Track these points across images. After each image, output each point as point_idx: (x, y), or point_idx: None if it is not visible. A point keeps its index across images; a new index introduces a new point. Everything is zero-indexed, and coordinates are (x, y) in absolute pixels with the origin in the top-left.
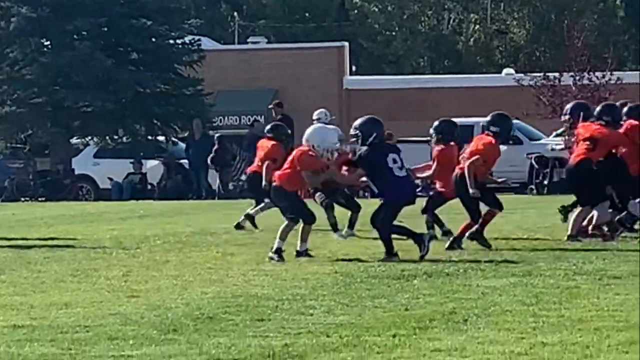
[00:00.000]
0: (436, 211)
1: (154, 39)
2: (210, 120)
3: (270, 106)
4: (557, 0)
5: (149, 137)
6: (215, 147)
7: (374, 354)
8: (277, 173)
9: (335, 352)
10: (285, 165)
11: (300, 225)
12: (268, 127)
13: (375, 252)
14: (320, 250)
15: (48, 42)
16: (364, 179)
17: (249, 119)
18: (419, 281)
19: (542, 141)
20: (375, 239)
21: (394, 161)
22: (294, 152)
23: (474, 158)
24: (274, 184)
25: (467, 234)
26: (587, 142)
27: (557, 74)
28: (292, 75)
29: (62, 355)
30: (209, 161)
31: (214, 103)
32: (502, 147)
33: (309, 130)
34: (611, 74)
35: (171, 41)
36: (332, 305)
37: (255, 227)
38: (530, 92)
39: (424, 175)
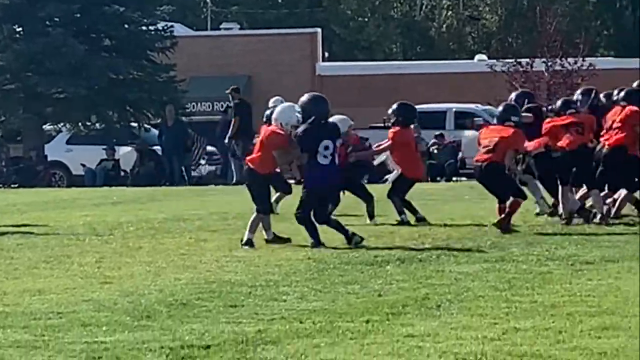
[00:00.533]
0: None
1: (126, 26)
2: (183, 106)
3: (227, 91)
4: None
5: (122, 124)
6: None
7: (347, 339)
8: (250, 157)
9: (309, 337)
10: (257, 148)
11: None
12: (267, 112)
13: None
14: (293, 237)
15: (20, 29)
16: None
17: (222, 105)
18: (392, 267)
19: None
20: (353, 225)
21: (325, 148)
22: (261, 133)
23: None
24: (246, 166)
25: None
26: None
27: (529, 60)
28: (264, 61)
29: (35, 341)
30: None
31: (186, 89)
32: (475, 133)
33: (278, 109)
34: (583, 60)
35: (144, 28)
36: (305, 291)
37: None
38: (503, 78)
39: (377, 149)
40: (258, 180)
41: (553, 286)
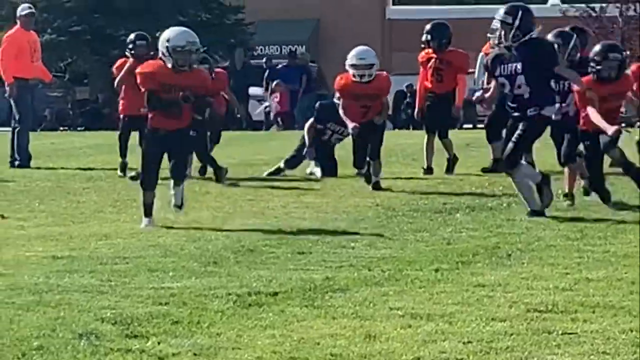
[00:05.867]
0: None
1: None
2: (251, 49)
3: None
4: None
5: None
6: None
7: (416, 288)
8: None
9: (377, 285)
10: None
11: None
12: None
13: (416, 185)
14: (360, 183)
15: None
16: None
17: (290, 48)
18: (462, 215)
19: None
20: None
21: None
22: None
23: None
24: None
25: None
26: None
27: (602, 5)
28: (334, 4)
29: (102, 286)
30: None
31: (254, 32)
32: None
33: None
34: None
35: None
36: (374, 238)
37: None
38: (576, 24)
39: None
40: None
41: (626, 236)
